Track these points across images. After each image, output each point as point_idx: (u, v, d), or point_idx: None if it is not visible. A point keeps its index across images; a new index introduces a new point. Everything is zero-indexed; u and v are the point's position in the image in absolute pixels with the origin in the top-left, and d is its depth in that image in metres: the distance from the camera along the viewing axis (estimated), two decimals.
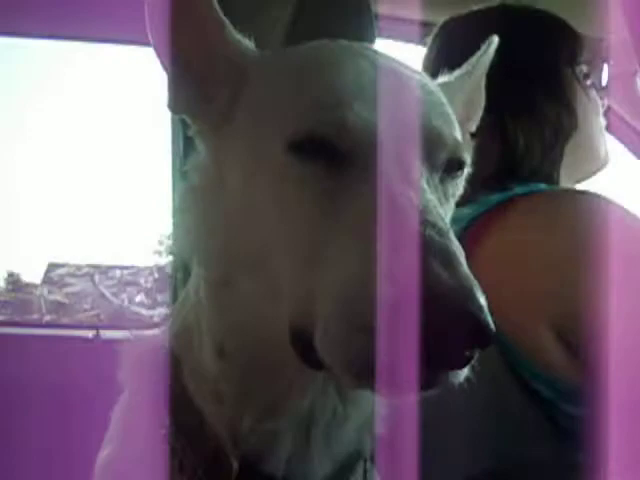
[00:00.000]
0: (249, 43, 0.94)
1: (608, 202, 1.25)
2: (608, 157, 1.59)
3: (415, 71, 0.90)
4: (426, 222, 0.70)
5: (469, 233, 1.32)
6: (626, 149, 2.42)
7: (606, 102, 1.61)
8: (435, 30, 1.61)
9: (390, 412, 0.97)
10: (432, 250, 0.67)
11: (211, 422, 0.92)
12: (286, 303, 0.79)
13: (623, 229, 1.23)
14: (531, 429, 1.21)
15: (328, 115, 0.78)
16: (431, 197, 0.76)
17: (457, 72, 1.07)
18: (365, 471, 1.02)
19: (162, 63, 0.91)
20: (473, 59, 1.08)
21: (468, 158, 0.89)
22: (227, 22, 0.92)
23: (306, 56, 0.90)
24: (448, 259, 0.67)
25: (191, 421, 0.94)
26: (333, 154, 0.78)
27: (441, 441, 1.12)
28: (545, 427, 1.22)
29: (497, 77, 1.41)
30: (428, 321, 0.63)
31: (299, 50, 0.92)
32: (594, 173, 1.60)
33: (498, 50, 1.45)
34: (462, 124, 1.04)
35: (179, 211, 0.96)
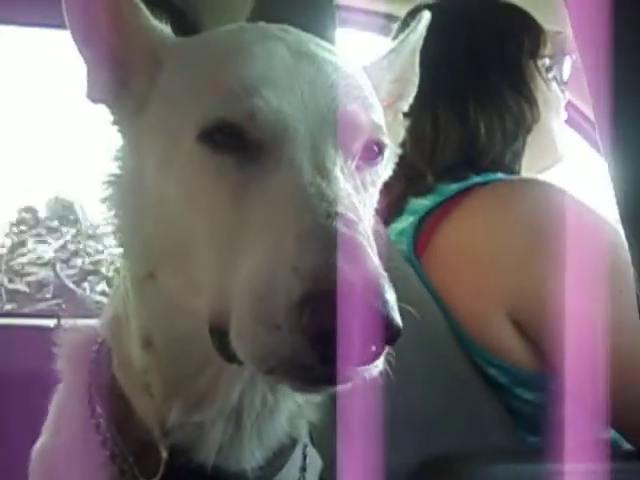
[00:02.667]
0: (165, 28, 0.91)
1: (563, 192, 1.28)
2: (564, 151, 1.62)
3: (334, 53, 0.86)
4: (334, 214, 0.68)
5: (427, 223, 1.34)
6: (584, 141, 2.45)
7: (566, 96, 1.64)
8: (400, 21, 1.61)
9: (345, 396, 0.98)
10: (337, 243, 0.65)
11: (140, 413, 0.92)
12: (203, 298, 0.78)
13: (578, 218, 1.25)
14: (486, 414, 1.23)
15: (237, 104, 0.76)
16: (344, 186, 0.74)
17: (384, 52, 1.03)
18: (305, 456, 1.03)
19: (79, 49, 0.89)
20: (402, 36, 1.04)
21: (387, 141, 0.86)
22: (143, 7, 0.90)
23: (218, 41, 0.87)
24: (353, 253, 0.65)
25: (121, 411, 0.93)
26: (244, 144, 0.76)
27: (396, 426, 1.14)
28: (500, 412, 1.25)
29: (461, 65, 1.44)
30: (332, 318, 0.62)
31: (213, 35, 0.90)
32: (551, 166, 1.63)
33: (463, 39, 1.47)
34: (392, 104, 1.04)
35: (101, 201, 0.92)
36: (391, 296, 0.65)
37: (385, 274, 0.66)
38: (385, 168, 0.95)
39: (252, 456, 0.92)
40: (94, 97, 0.91)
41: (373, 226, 0.93)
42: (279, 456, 0.95)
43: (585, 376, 1.16)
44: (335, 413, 1.11)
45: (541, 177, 1.58)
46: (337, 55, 0.87)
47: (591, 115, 2.29)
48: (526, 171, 1.51)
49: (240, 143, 0.76)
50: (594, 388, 1.16)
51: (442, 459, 1.13)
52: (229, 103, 0.76)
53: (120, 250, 0.92)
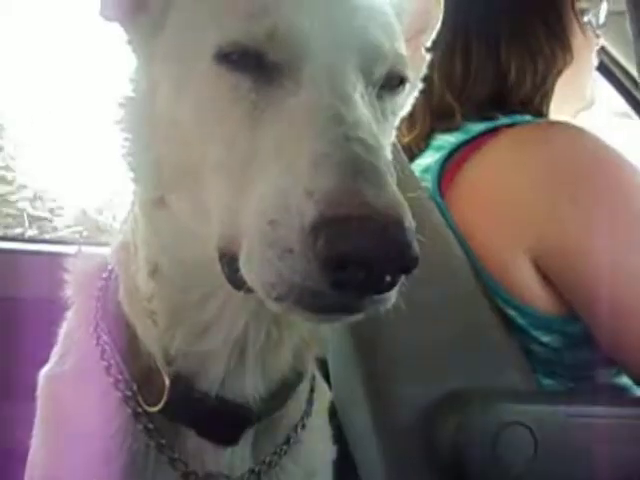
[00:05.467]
0: None
1: (591, 136, 1.26)
2: (594, 97, 1.60)
3: None
4: (354, 138, 0.66)
5: (452, 161, 1.33)
6: (615, 90, 2.41)
7: (600, 41, 1.61)
8: None
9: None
10: (358, 168, 0.64)
11: (144, 340, 0.92)
12: (214, 223, 0.77)
13: (606, 164, 1.24)
14: (503, 354, 1.24)
15: (256, 23, 0.74)
16: (364, 112, 0.72)
17: None
18: (312, 388, 1.05)
19: None
20: None
21: (409, 73, 0.84)
22: None
23: None
24: (374, 178, 0.63)
25: (125, 338, 0.94)
26: (262, 64, 0.74)
27: (412, 360, 1.15)
28: (516, 353, 1.25)
29: (496, 5, 1.41)
30: (349, 244, 0.60)
31: None
32: (580, 111, 1.61)
33: None
34: (414, 37, 1.01)
35: (114, 124, 0.91)
36: (410, 225, 0.63)
37: (405, 203, 0.64)
38: (405, 101, 0.94)
39: (255, 388, 0.92)
40: (108, 15, 0.88)
41: (392, 157, 0.93)
42: (283, 389, 0.96)
43: (607, 323, 1.16)
44: (347, 349, 1.13)
45: (570, 121, 1.56)
46: None
47: (622, 61, 2.26)
48: (555, 114, 1.49)
49: (258, 64, 0.74)
50: (615, 335, 1.17)
51: (455, 395, 1.14)
52: (248, 23, 0.74)
53: (130, 174, 0.91)
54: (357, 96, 0.73)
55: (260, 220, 0.67)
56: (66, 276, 1.03)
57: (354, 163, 0.64)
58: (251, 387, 0.92)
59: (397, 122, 0.91)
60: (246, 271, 0.70)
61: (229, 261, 0.75)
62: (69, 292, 1.03)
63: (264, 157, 0.70)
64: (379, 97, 0.81)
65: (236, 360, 0.91)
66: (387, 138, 0.85)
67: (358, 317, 0.70)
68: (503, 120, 1.35)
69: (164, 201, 0.86)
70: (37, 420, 1.01)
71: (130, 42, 0.90)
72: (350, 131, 0.67)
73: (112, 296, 0.97)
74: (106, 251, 1.03)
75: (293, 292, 0.65)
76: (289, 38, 0.73)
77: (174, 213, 0.85)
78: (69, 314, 1.04)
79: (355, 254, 0.60)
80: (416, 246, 0.62)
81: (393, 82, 0.82)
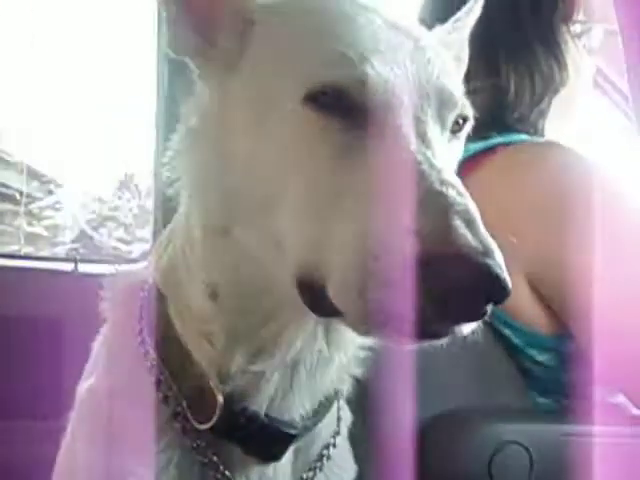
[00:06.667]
0: None
1: (586, 159, 1.27)
2: (584, 120, 1.61)
3: (420, 28, 0.90)
4: (446, 182, 0.71)
5: None
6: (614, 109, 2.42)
7: (596, 64, 1.63)
8: None
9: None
10: (455, 209, 0.69)
11: (199, 359, 0.93)
12: (291, 253, 0.80)
13: (600, 186, 1.25)
14: (498, 373, 1.24)
15: (348, 69, 0.78)
16: (445, 156, 0.78)
17: (440, 29, 1.06)
18: (338, 408, 1.06)
19: (162, 2, 0.89)
20: (459, 15, 1.09)
21: (471, 115, 0.89)
22: None
23: (317, 7, 0.88)
24: (470, 219, 0.69)
25: (177, 356, 0.95)
26: (350, 108, 0.78)
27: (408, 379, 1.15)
28: (512, 372, 1.26)
29: (496, 23, 1.42)
30: (451, 277, 0.65)
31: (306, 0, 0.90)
32: (574, 129, 1.62)
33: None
34: None
35: (176, 153, 0.94)
36: (502, 260, 0.68)
37: (494, 242, 0.69)
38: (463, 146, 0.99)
39: (302, 406, 0.94)
40: (177, 51, 0.91)
41: None
42: (324, 406, 0.98)
43: (601, 342, 1.17)
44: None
45: (565, 141, 1.57)
46: (423, 30, 0.91)
47: (619, 83, 2.27)
48: (553, 133, 1.49)
49: (346, 107, 0.78)
50: (609, 354, 1.17)
51: (451, 414, 1.14)
52: (340, 68, 0.78)
53: (193, 201, 0.93)
54: (438, 142, 0.78)
55: (360, 255, 0.71)
56: (102, 293, 1.04)
57: (451, 205, 0.69)
58: (299, 405, 0.94)
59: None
60: (340, 300, 0.74)
61: (312, 291, 0.78)
62: (106, 308, 1.04)
63: (358, 195, 0.74)
64: (448, 141, 0.85)
65: (288, 379, 0.93)
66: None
67: (443, 341, 0.75)
68: (499, 139, 1.36)
69: (229, 230, 0.88)
70: (78, 435, 1.00)
71: (201, 76, 0.93)
72: (441, 175, 0.72)
73: (158, 314, 0.97)
74: (140, 269, 1.05)
75: (391, 321, 0.69)
76: (378, 86, 0.78)
77: (239, 242, 0.87)
78: (107, 330, 1.04)
79: (456, 288, 0.66)
80: (509, 280, 0.68)
81: (458, 125, 0.88)
